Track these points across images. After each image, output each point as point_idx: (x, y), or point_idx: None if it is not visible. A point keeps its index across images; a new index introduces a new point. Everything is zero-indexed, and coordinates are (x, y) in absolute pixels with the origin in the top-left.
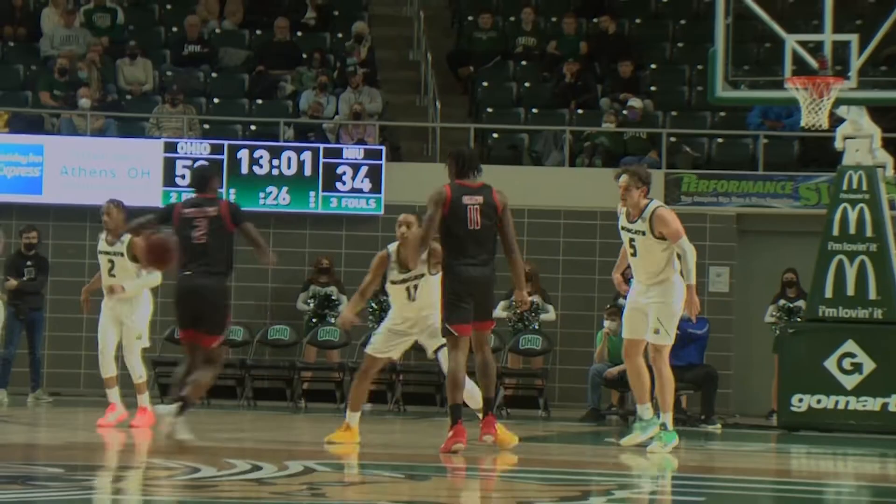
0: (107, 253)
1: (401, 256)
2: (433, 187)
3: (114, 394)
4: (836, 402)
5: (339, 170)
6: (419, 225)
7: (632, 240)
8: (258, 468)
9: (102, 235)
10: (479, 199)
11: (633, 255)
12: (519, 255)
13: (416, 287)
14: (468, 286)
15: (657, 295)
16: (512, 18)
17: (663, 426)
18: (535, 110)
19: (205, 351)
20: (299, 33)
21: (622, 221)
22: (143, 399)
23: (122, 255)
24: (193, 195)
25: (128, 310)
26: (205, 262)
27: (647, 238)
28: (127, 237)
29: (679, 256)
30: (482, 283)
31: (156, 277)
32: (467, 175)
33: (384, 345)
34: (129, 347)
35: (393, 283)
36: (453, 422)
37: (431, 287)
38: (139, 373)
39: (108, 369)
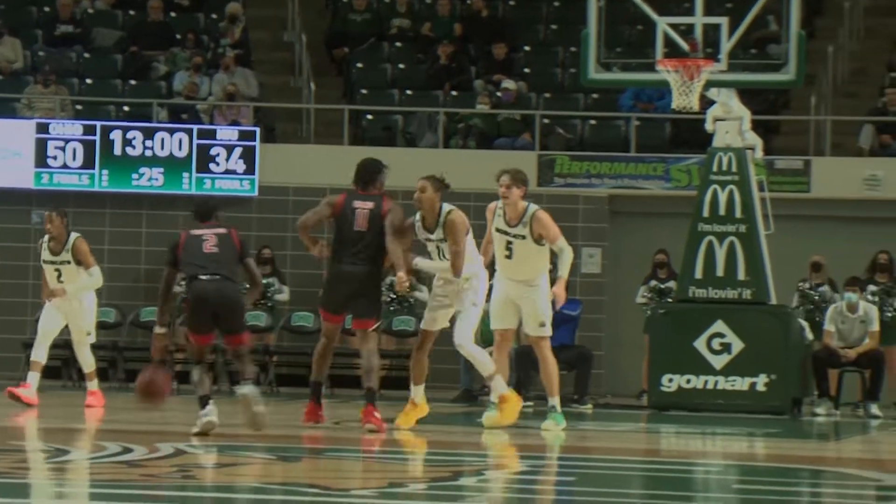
0: (52, 262)
1: (426, 222)
2: (307, 169)
3: (36, 378)
4: (706, 382)
5: (213, 151)
6: (434, 189)
7: (509, 242)
8: (129, 450)
9: (45, 243)
10: (370, 204)
11: (509, 257)
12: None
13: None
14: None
15: (532, 291)
16: (387, 0)
17: (552, 408)
18: (409, 92)
19: (235, 349)
20: (173, 14)
21: (498, 223)
22: (94, 384)
23: (68, 262)
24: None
25: (76, 308)
26: (215, 269)
27: (526, 242)
28: (71, 243)
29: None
30: (358, 280)
31: (98, 280)
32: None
33: (429, 318)
34: (80, 342)
35: (427, 245)
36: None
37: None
38: (90, 362)
39: (41, 355)
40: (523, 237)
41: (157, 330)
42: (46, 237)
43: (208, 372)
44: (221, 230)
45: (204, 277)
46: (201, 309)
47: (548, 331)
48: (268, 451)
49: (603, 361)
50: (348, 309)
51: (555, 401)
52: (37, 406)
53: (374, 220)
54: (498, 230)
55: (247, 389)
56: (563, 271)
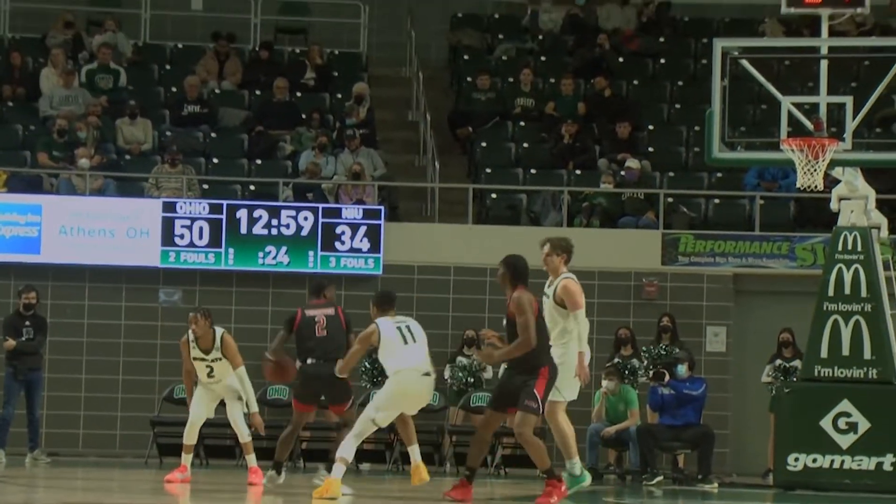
0: (203, 359)
1: None
2: (431, 247)
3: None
4: (832, 462)
5: (338, 230)
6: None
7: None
8: None
9: (191, 340)
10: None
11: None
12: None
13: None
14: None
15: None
16: (510, 79)
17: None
18: (533, 171)
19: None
20: (298, 94)
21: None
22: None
23: (220, 359)
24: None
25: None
26: (322, 353)
27: (548, 301)
28: (219, 339)
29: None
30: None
31: (247, 379)
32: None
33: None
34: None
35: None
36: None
37: None
38: (245, 433)
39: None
40: (547, 296)
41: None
42: (192, 334)
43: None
44: (330, 311)
45: (312, 361)
46: (309, 387)
47: (555, 396)
48: None
49: (728, 440)
50: None
51: (573, 463)
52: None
53: None
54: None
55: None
56: (582, 346)
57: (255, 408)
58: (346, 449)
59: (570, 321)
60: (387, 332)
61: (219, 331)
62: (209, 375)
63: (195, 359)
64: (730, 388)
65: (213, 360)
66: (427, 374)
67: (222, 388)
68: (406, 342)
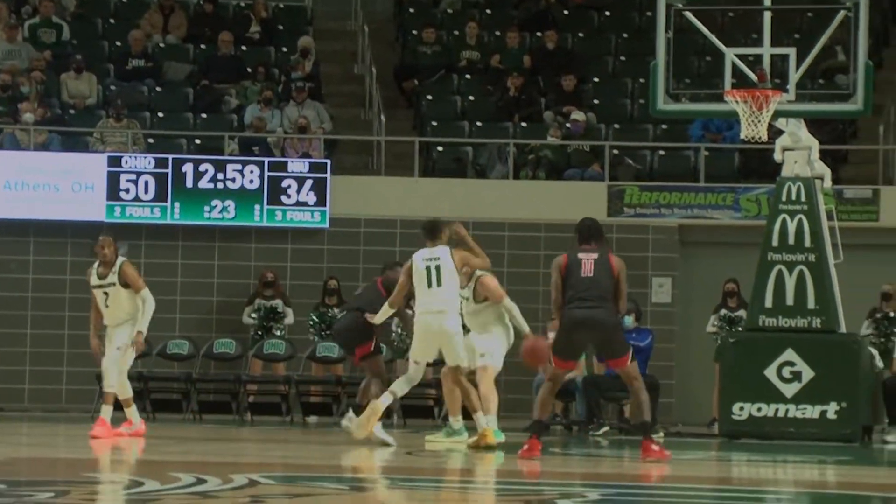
0: (100, 286)
1: None
2: (378, 200)
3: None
4: (776, 410)
5: (285, 183)
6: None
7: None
8: (203, 481)
9: (94, 269)
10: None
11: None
12: None
13: None
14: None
15: None
16: (456, 32)
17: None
18: (479, 123)
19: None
20: (244, 47)
21: None
22: (108, 412)
23: (114, 284)
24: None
25: (119, 331)
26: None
27: None
28: (118, 266)
29: None
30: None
31: (152, 302)
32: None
33: None
34: (113, 359)
35: None
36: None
37: None
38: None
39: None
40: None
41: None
42: (97, 263)
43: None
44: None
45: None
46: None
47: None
48: (340, 481)
49: (674, 390)
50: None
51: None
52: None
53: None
54: None
55: None
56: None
57: (143, 328)
58: (397, 386)
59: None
60: (418, 265)
61: (121, 259)
62: (106, 304)
63: (94, 286)
64: (675, 338)
65: (108, 285)
66: (440, 311)
67: (111, 332)
68: (430, 285)
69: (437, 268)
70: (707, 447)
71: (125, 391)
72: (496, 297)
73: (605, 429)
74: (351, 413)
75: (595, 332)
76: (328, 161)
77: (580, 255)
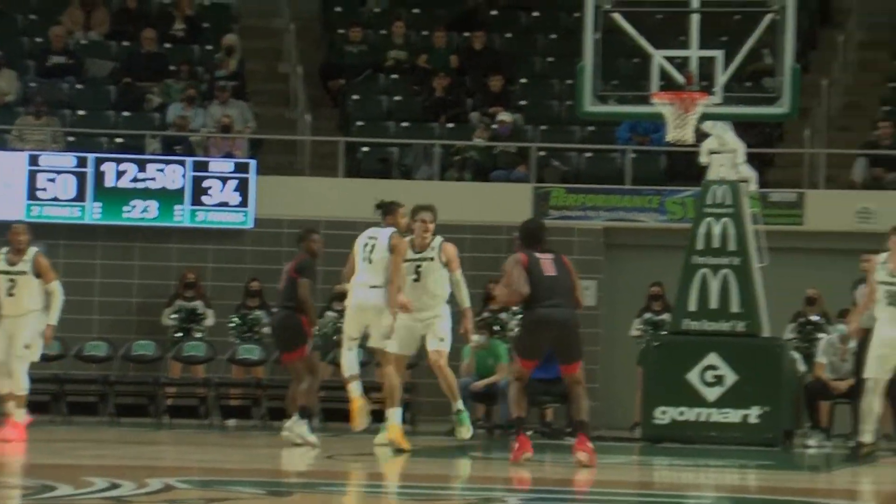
0: (7, 273)
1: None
2: (302, 201)
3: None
4: (699, 414)
5: (207, 183)
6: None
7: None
8: (117, 486)
9: (2, 255)
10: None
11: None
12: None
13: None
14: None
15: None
16: (383, 32)
17: (459, 411)
18: (405, 124)
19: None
20: (167, 45)
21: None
22: (21, 414)
23: (24, 273)
24: None
25: (22, 323)
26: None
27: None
28: (32, 255)
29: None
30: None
31: (61, 294)
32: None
33: None
34: (19, 357)
35: None
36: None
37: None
38: (22, 385)
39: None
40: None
41: None
42: (6, 249)
43: None
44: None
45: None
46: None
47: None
48: (257, 486)
49: (597, 394)
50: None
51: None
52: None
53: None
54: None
55: None
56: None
57: (54, 322)
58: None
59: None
60: (359, 241)
61: (34, 249)
62: (10, 293)
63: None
64: (599, 341)
65: (17, 273)
66: (374, 286)
67: (12, 324)
68: (364, 261)
69: (373, 247)
70: (629, 451)
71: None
72: (455, 265)
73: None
74: (289, 422)
75: (560, 332)
76: (252, 161)
77: (538, 255)
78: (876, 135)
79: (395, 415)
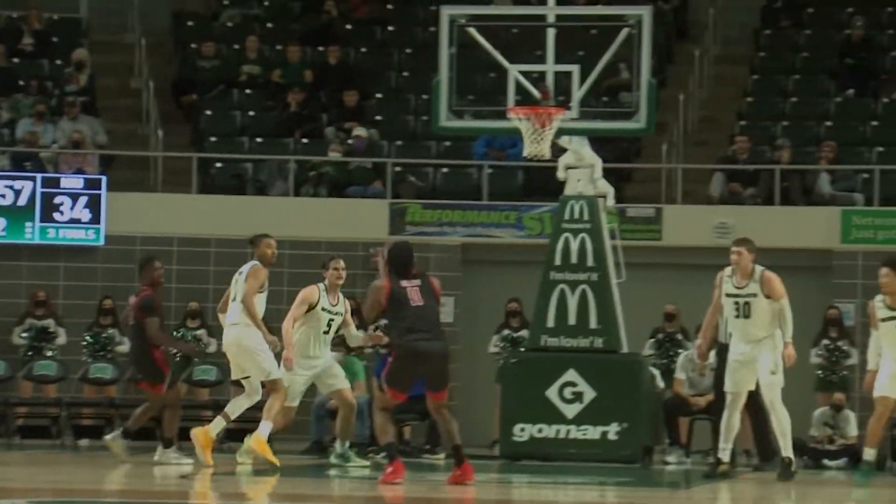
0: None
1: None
2: (154, 218)
3: None
4: (558, 431)
5: (58, 200)
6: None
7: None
8: None
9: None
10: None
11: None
12: None
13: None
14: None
15: None
16: (236, 46)
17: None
18: (259, 139)
19: None
20: (16, 59)
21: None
22: None
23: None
24: None
25: None
26: None
27: None
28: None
29: None
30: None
31: None
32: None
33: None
34: None
35: None
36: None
37: None
38: None
39: None
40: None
41: None
42: None
43: None
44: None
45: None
46: None
47: None
48: None
49: (456, 411)
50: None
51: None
52: None
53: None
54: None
55: None
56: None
57: None
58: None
59: None
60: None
61: None
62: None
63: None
64: (458, 358)
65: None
66: (234, 324)
67: None
68: (233, 298)
69: (237, 281)
70: (488, 469)
71: None
72: None
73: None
74: (116, 432)
75: (433, 365)
76: (103, 177)
77: (404, 284)
78: (732, 149)
79: (264, 427)
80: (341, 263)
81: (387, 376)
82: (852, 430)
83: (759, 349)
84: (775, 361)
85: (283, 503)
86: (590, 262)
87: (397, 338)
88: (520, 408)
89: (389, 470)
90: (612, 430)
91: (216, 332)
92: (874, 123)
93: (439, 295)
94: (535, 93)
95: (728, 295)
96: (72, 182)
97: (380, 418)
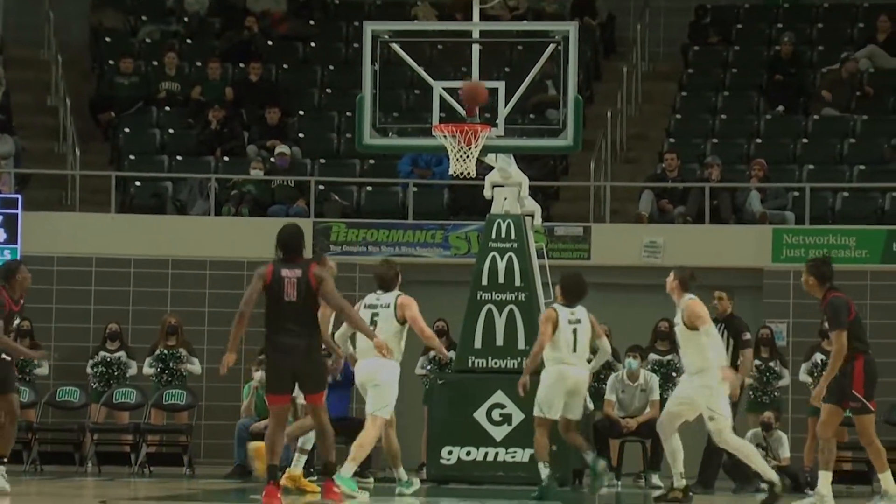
0: None
1: None
2: (72, 238)
3: None
4: (486, 454)
5: None
6: None
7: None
8: None
9: None
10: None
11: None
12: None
13: None
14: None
15: None
16: (155, 63)
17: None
18: (179, 157)
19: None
20: None
21: None
22: None
23: None
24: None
25: None
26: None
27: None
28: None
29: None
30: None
31: None
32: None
33: None
34: None
35: None
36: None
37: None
38: None
39: None
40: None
41: None
42: None
43: None
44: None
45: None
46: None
47: None
48: None
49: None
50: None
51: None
52: None
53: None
54: None
55: None
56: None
57: None
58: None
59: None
60: None
61: None
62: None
63: None
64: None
65: None
66: None
67: None
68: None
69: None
70: (415, 493)
71: None
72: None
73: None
74: None
75: (297, 362)
76: (19, 196)
77: (283, 272)
78: (662, 167)
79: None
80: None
81: (266, 380)
82: (785, 452)
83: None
84: (709, 406)
85: None
86: (517, 281)
87: (266, 332)
88: (447, 430)
89: (264, 494)
90: None
91: (136, 354)
92: (804, 141)
93: (316, 288)
94: (461, 110)
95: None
96: None
97: (271, 432)
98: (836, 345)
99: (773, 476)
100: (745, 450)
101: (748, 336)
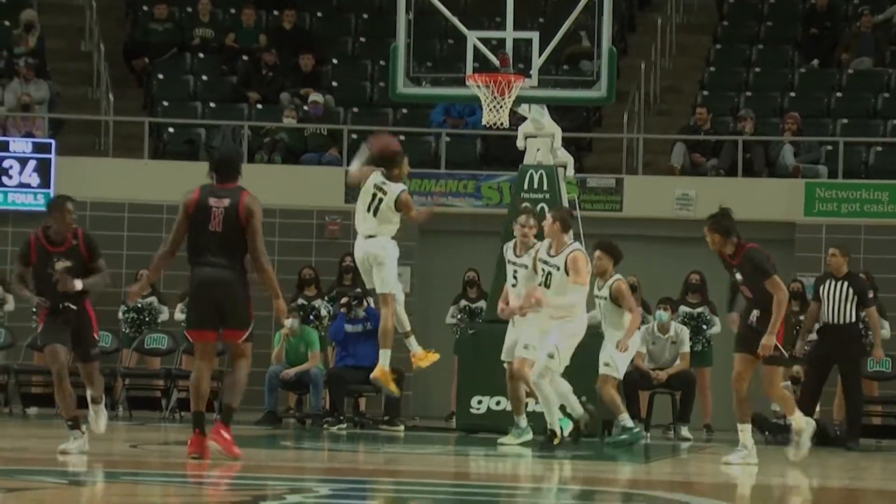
0: None
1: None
2: (105, 183)
3: None
4: None
5: (6, 164)
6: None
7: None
8: None
9: None
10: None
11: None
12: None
13: None
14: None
15: None
16: (189, 9)
17: None
18: (212, 104)
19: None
20: None
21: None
22: None
23: None
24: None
25: None
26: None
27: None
28: None
29: None
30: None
31: None
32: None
33: None
34: None
35: None
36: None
37: None
38: None
39: None
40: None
41: None
42: None
43: None
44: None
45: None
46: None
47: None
48: (60, 475)
49: (413, 383)
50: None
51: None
52: None
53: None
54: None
55: None
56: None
57: None
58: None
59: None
60: None
61: None
62: None
63: None
64: (414, 328)
65: None
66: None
67: None
68: None
69: None
70: (445, 441)
71: None
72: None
73: (342, 425)
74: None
75: (218, 295)
76: (53, 141)
77: (211, 201)
78: (695, 119)
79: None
80: (526, 220)
81: (187, 315)
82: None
83: None
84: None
85: (243, 473)
86: None
87: (189, 262)
88: (477, 380)
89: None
90: None
91: (167, 299)
92: (838, 95)
93: (245, 220)
94: (495, 60)
95: None
96: (20, 146)
97: (194, 374)
98: (777, 292)
99: (580, 410)
100: (552, 398)
101: (871, 294)
